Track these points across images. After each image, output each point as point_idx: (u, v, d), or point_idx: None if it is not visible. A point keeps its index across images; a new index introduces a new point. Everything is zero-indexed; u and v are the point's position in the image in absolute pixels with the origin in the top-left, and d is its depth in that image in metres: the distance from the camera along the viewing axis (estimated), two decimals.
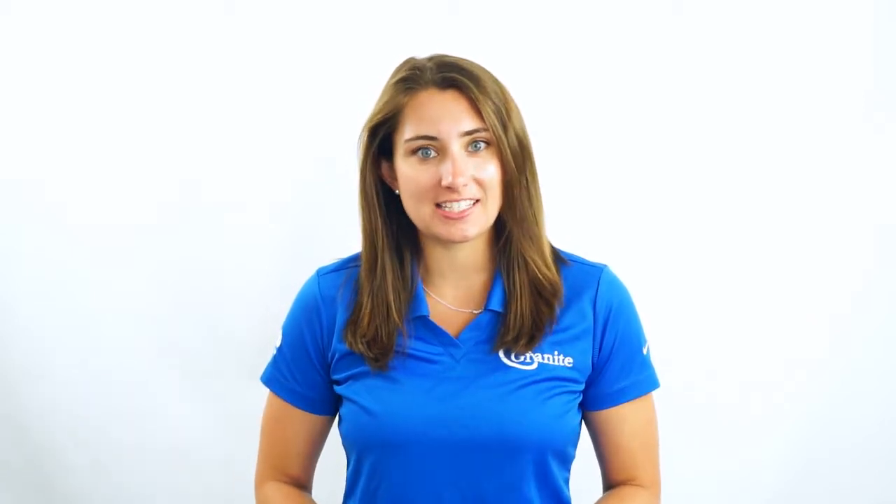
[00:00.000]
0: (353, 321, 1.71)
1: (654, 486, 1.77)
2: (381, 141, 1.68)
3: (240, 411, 2.41)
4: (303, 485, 1.84)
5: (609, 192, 2.42)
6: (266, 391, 1.82)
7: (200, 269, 2.45)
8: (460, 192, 1.61)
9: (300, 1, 2.43)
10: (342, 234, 1.99)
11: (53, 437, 2.47)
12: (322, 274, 1.78)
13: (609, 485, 1.78)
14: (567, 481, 1.74)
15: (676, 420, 2.28)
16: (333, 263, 1.79)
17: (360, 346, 1.69)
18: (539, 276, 1.69)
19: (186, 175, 2.44)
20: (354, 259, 1.77)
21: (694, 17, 2.42)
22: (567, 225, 1.99)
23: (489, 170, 1.63)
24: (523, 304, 1.68)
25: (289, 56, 2.43)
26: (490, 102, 1.63)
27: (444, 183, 1.61)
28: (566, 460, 1.72)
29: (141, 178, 2.45)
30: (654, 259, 2.40)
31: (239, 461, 2.36)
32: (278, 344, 1.80)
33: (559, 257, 1.74)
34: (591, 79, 2.41)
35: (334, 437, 1.80)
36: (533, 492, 1.67)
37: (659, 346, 1.91)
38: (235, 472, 2.41)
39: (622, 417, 1.73)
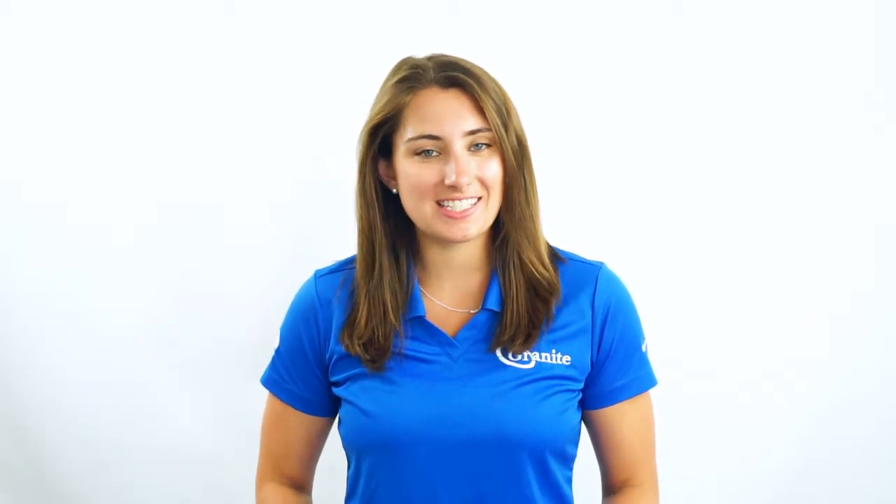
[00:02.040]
0: (349, 323, 1.71)
1: (653, 484, 1.77)
2: (380, 140, 1.68)
3: (240, 411, 2.41)
4: (303, 486, 1.84)
5: (609, 191, 2.42)
6: (266, 392, 1.82)
7: (200, 269, 2.45)
8: (463, 191, 1.61)
9: (299, 1, 2.43)
10: (342, 234, 1.99)
11: (53, 437, 2.47)
12: (319, 276, 1.78)
13: (608, 483, 1.78)
14: (569, 480, 1.74)
15: (676, 420, 2.28)
16: (330, 265, 1.79)
17: (356, 347, 1.69)
18: (535, 275, 1.68)
19: (186, 175, 2.45)
20: (351, 261, 1.76)
21: (694, 16, 2.42)
22: (565, 224, 1.98)
23: (492, 168, 1.64)
24: (519, 303, 1.68)
25: (288, 56, 2.43)
26: (492, 102, 1.63)
27: (448, 182, 1.61)
28: (566, 459, 1.71)
29: (141, 179, 2.45)
30: (653, 259, 2.40)
31: (239, 461, 2.37)
32: (276, 346, 1.80)
33: (556, 256, 1.74)
34: (590, 78, 2.41)
35: (334, 439, 1.80)
36: (534, 491, 1.66)
37: (658, 346, 1.91)
38: (236, 472, 2.41)
39: (621, 415, 1.73)
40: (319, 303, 1.75)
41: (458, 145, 1.62)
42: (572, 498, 1.74)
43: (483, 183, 1.63)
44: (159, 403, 2.47)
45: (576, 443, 1.73)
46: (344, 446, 1.75)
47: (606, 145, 2.41)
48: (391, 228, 1.71)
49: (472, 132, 1.63)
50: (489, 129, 1.63)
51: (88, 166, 2.44)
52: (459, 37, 2.25)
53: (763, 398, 2.44)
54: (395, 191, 1.69)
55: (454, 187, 1.61)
